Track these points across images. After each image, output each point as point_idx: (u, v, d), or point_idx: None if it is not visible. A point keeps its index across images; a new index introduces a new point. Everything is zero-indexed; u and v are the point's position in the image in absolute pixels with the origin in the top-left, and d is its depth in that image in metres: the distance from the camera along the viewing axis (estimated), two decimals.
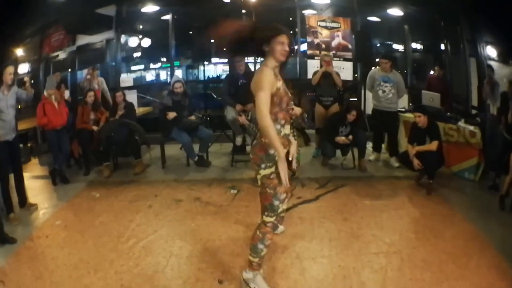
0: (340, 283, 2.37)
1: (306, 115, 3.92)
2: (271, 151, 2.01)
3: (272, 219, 2.15)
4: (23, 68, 6.09)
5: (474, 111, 5.17)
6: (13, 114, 3.36)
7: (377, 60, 6.38)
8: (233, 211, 3.42)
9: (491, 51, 5.31)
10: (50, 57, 6.19)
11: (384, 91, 4.46)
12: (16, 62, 5.67)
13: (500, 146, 3.69)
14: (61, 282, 2.46)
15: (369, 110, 5.35)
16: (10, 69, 3.31)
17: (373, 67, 5.00)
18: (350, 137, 4.25)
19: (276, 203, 2.09)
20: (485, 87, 4.36)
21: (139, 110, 5.59)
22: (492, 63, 5.13)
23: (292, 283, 2.39)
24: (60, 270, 2.59)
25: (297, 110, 3.79)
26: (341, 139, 4.22)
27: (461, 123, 4.19)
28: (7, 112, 3.27)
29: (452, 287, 2.27)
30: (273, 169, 2.04)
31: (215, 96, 6.69)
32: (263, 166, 2.05)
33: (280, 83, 2.04)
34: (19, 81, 3.73)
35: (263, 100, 1.92)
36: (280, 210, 2.13)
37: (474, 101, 5.45)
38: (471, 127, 4.04)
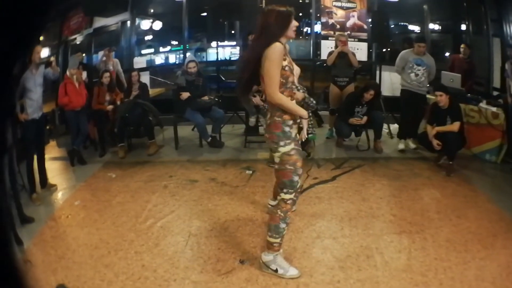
0: (364, 263, 2.24)
1: (312, 99, 3.49)
2: (287, 128, 1.99)
3: (292, 196, 2.05)
4: (44, 52, 5.95)
5: (496, 93, 4.85)
6: (40, 93, 3.32)
7: (390, 40, 6.06)
8: (249, 192, 3.28)
9: None
10: (68, 40, 6.02)
11: (417, 74, 4.08)
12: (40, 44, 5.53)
13: None
14: (83, 262, 2.37)
15: (385, 92, 5.06)
16: (38, 49, 3.26)
17: (388, 48, 4.66)
18: (364, 118, 4.02)
19: (296, 178, 2.02)
20: (508, 67, 4.03)
21: (151, 92, 5.39)
22: None
23: (314, 263, 2.27)
24: (82, 250, 2.50)
25: (299, 95, 3.42)
26: (354, 120, 3.99)
27: (483, 104, 3.94)
28: (35, 90, 3.25)
29: (479, 267, 2.14)
30: (292, 145, 1.99)
31: (223, 78, 6.42)
32: (281, 143, 1.99)
33: (286, 62, 1.96)
34: (44, 63, 3.66)
35: (273, 75, 1.90)
36: (298, 185, 2.05)
37: (496, 83, 5.10)
38: (494, 108, 3.79)
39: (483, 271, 2.10)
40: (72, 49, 5.95)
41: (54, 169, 4.02)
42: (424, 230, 2.58)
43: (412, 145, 4.28)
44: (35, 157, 3.36)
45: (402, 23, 6.48)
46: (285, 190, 2.04)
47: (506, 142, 3.72)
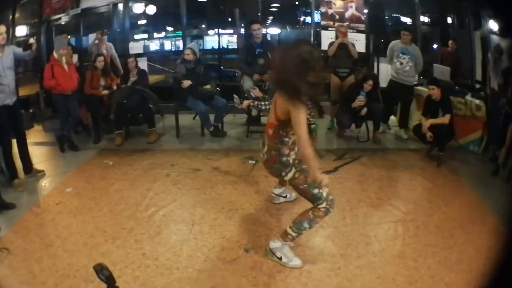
0: (363, 250, 2.26)
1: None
2: (283, 159, 1.98)
3: (324, 204, 2.00)
4: (21, 31, 5.43)
5: (478, 85, 4.87)
6: (11, 76, 2.97)
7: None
8: (253, 181, 3.16)
9: (493, 25, 4.94)
10: (51, 19, 5.52)
11: (401, 63, 4.13)
12: (13, 23, 5.05)
13: (502, 120, 3.45)
14: (76, 250, 2.22)
15: (382, 83, 4.99)
16: (1, 29, 2.84)
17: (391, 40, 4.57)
18: (365, 109, 3.92)
19: (316, 191, 1.97)
20: (490, 59, 4.04)
21: (150, 79, 5.11)
22: (493, 37, 4.80)
23: (317, 251, 2.24)
24: (74, 238, 2.34)
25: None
26: (357, 101, 3.86)
27: (468, 97, 3.98)
28: (4, 74, 2.89)
29: (460, 251, 2.28)
30: (293, 170, 1.99)
31: (221, 67, 6.19)
32: (283, 173, 2.01)
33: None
34: (24, 44, 3.31)
35: (304, 133, 1.81)
36: (324, 194, 1.99)
37: (478, 75, 5.09)
38: (477, 101, 3.84)
39: (463, 254, 2.22)
40: (56, 29, 5.50)
41: (41, 154, 3.77)
42: (417, 218, 2.63)
43: (404, 135, 4.29)
44: (16, 143, 3.09)
45: (394, 15, 6.38)
46: (315, 204, 2.01)
47: (486, 133, 3.78)
